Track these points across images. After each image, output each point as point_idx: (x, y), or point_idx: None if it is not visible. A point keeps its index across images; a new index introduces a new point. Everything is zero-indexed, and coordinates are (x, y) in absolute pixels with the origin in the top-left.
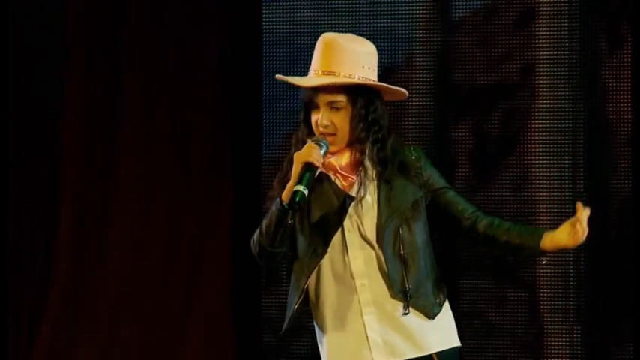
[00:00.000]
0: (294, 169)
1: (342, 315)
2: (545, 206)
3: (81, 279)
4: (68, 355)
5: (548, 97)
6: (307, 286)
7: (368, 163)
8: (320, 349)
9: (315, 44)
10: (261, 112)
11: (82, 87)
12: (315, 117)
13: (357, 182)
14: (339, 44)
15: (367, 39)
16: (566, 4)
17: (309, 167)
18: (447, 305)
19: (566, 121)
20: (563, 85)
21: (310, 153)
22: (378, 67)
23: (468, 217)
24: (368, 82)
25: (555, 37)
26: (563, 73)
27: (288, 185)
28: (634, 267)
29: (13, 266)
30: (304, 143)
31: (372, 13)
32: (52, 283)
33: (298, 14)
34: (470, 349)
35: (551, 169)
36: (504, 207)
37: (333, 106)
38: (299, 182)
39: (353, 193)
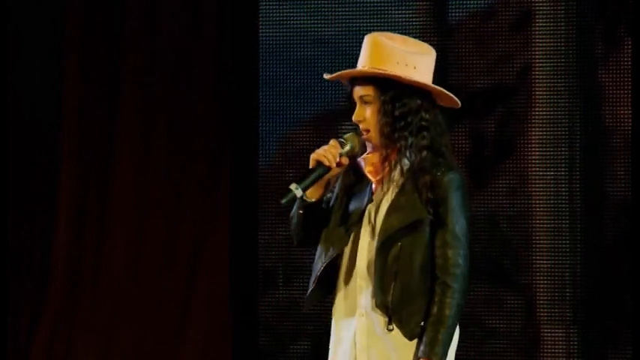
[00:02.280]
0: (310, 163)
1: (346, 311)
2: (541, 210)
3: (79, 282)
4: (66, 358)
5: (545, 101)
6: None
7: (396, 165)
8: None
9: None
10: (258, 117)
11: (79, 93)
12: (354, 114)
13: (381, 184)
14: (378, 41)
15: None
16: (563, 8)
17: (318, 165)
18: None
19: (563, 124)
20: (560, 88)
21: (325, 151)
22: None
23: (437, 270)
24: (383, 73)
25: (552, 40)
26: (560, 76)
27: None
28: (631, 272)
29: (12, 268)
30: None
31: (368, 17)
32: (51, 286)
33: (294, 20)
34: (467, 354)
35: (548, 173)
36: (501, 210)
37: (363, 101)
38: (299, 180)
39: (377, 193)
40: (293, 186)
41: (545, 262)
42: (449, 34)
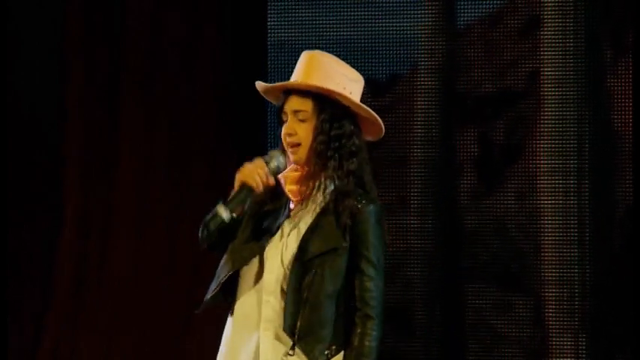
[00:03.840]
0: (235, 183)
1: (246, 323)
2: (549, 214)
3: (83, 282)
4: (71, 358)
5: (553, 105)
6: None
7: (320, 186)
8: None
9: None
10: (266, 120)
11: (80, 94)
12: (284, 128)
13: (301, 203)
14: (320, 60)
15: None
16: (572, 13)
17: (245, 187)
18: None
19: (571, 129)
20: (568, 93)
21: (252, 172)
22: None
23: (356, 302)
24: (332, 90)
25: (560, 45)
26: (568, 81)
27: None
28: (638, 275)
29: (13, 269)
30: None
31: (377, 20)
32: (55, 286)
33: (303, 22)
34: (475, 357)
35: (556, 178)
36: (509, 215)
37: (298, 117)
38: (226, 202)
39: (295, 211)
40: (221, 209)
41: (553, 267)
42: (457, 38)
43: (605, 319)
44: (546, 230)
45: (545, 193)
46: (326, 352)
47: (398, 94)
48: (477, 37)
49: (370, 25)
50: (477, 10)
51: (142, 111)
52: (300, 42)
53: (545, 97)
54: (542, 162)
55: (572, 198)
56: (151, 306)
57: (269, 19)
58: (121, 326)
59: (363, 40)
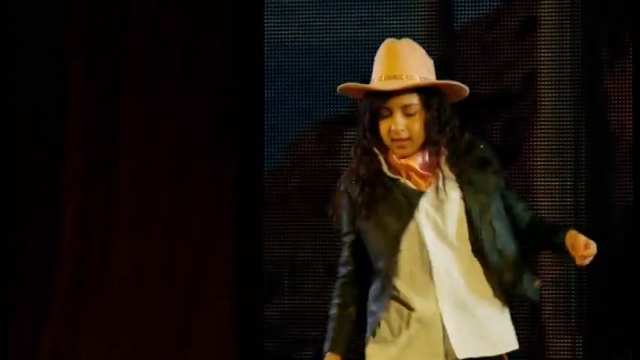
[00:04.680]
0: None
1: (419, 309)
2: (546, 215)
3: (83, 282)
4: (71, 358)
5: (550, 107)
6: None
7: (445, 164)
8: (371, 345)
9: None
10: (263, 120)
11: (80, 94)
12: (386, 124)
13: (435, 181)
14: (403, 48)
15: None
16: (568, 14)
17: None
18: None
19: (568, 131)
20: (564, 95)
21: None
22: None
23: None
24: (444, 82)
25: (557, 46)
26: (565, 82)
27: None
28: (635, 275)
29: (15, 272)
30: (369, 154)
31: (374, 22)
32: (55, 286)
33: (301, 20)
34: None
35: (553, 179)
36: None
37: (406, 112)
38: None
39: (429, 191)
40: None
41: (550, 268)
42: (454, 40)
43: (603, 319)
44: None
45: (542, 194)
46: (536, 283)
47: None
48: (474, 38)
49: (367, 26)
50: (473, 12)
51: (142, 111)
52: (298, 42)
53: (542, 99)
54: (539, 163)
55: (568, 199)
56: (151, 306)
57: (266, 19)
58: (121, 326)
59: (359, 41)
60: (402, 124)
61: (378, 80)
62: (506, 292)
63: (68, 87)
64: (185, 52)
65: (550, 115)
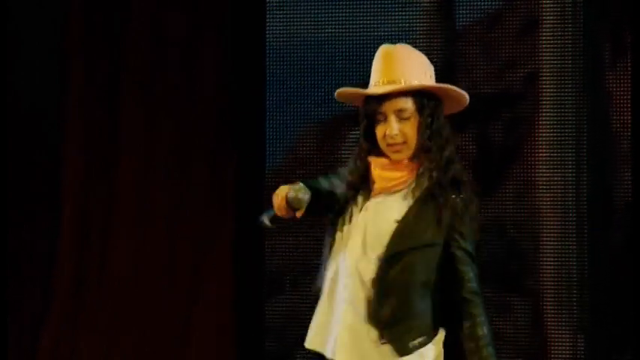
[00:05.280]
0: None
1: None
2: (548, 215)
3: (83, 282)
4: (71, 358)
5: (551, 106)
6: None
7: (420, 177)
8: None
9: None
10: (265, 122)
11: (80, 94)
12: (381, 129)
13: (389, 191)
14: (400, 53)
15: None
16: (570, 13)
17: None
18: (430, 351)
19: (570, 130)
20: (566, 94)
21: (276, 198)
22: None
23: (463, 294)
24: (438, 85)
25: (559, 45)
26: (566, 81)
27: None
28: (637, 276)
29: (15, 272)
30: (362, 160)
31: (375, 21)
32: (55, 286)
33: (302, 22)
34: None
35: (555, 178)
36: (507, 216)
37: (401, 116)
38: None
39: (377, 199)
40: (265, 218)
41: (551, 267)
42: (456, 39)
43: (603, 319)
44: (544, 231)
45: (544, 194)
46: (416, 342)
47: None
48: (475, 37)
49: (368, 25)
50: (475, 11)
51: (141, 111)
52: (300, 43)
53: (544, 98)
54: (540, 162)
55: (570, 199)
56: (151, 306)
57: (268, 19)
58: (121, 326)
59: (360, 41)
60: (397, 129)
61: (375, 85)
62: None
63: (68, 87)
64: (185, 52)
65: (551, 114)
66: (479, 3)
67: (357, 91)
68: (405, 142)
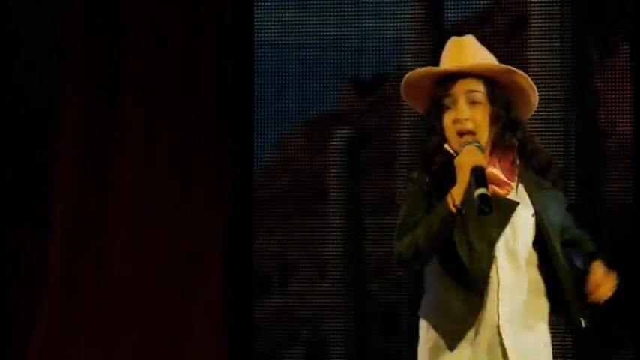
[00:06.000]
0: (460, 175)
1: (477, 326)
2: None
3: (79, 283)
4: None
5: (539, 105)
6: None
7: (523, 173)
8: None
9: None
10: (253, 120)
11: (79, 94)
12: (450, 116)
13: (510, 192)
14: (470, 41)
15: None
16: (559, 12)
17: (477, 170)
18: None
19: (558, 129)
20: (555, 93)
21: (473, 156)
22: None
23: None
24: (515, 70)
25: (547, 44)
26: (555, 80)
27: (455, 190)
28: (636, 274)
29: (14, 273)
30: (436, 152)
31: (364, 19)
32: (47, 287)
33: (290, 20)
34: None
35: None
36: None
37: (472, 99)
38: (479, 186)
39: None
40: (483, 190)
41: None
42: (444, 38)
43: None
44: None
45: None
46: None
47: (384, 94)
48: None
49: (357, 25)
50: (463, 10)
51: (142, 111)
52: (287, 41)
53: None
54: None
55: None
56: (148, 306)
57: (256, 19)
58: (121, 326)
59: (350, 41)
60: (467, 112)
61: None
62: (557, 314)
63: (67, 87)
64: (185, 52)
65: (539, 114)
66: (467, 2)
67: (429, 70)
68: (473, 132)
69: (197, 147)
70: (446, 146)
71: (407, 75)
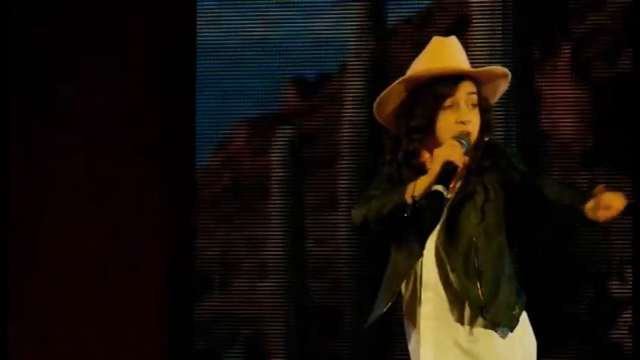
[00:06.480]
0: (433, 166)
1: (412, 324)
2: None
3: (16, 279)
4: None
5: None
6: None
7: (471, 166)
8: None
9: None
10: (195, 119)
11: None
12: (450, 116)
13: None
14: (456, 43)
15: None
16: (500, 12)
17: (449, 165)
18: (524, 318)
19: (499, 129)
20: None
21: (452, 151)
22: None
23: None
24: (507, 75)
25: (488, 45)
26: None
27: (421, 181)
28: (636, 274)
29: None
30: (417, 156)
31: (306, 20)
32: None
33: (232, 22)
34: (401, 356)
35: None
36: None
37: (471, 102)
38: (439, 181)
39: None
40: (440, 187)
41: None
42: (386, 38)
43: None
44: None
45: None
46: (514, 314)
47: (326, 94)
48: (406, 36)
49: (299, 25)
50: (405, 10)
51: (82, 108)
52: (229, 41)
53: None
54: None
55: None
56: (90, 305)
57: (199, 20)
58: (59, 326)
59: (292, 41)
60: (469, 115)
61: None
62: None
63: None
64: (121, 61)
65: None
66: (410, 2)
67: (440, 68)
68: (469, 133)
69: (139, 147)
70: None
71: (414, 71)
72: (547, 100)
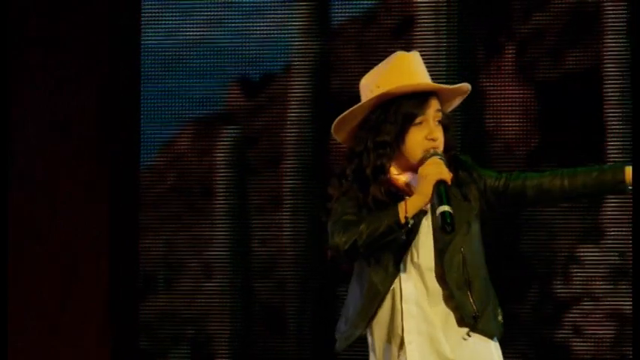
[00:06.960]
0: (423, 186)
1: (388, 339)
2: None
3: None
4: None
5: None
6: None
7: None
8: None
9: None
10: (139, 119)
11: None
12: (420, 133)
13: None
14: (419, 59)
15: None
16: (445, 13)
17: (443, 185)
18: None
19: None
20: None
21: (440, 169)
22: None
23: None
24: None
25: (433, 45)
26: (440, 80)
27: (411, 201)
28: (636, 274)
29: None
30: (385, 173)
31: (250, 20)
32: None
33: (176, 22)
34: (348, 356)
35: None
36: None
37: (438, 120)
38: (442, 202)
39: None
40: (446, 207)
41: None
42: (331, 38)
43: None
44: None
45: None
46: (499, 319)
47: (271, 94)
48: (351, 36)
49: (243, 25)
50: (350, 10)
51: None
52: (173, 41)
53: None
54: None
55: None
56: (33, 305)
57: (143, 20)
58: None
59: (235, 41)
60: (438, 132)
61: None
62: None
63: None
64: (67, 64)
65: None
66: (354, 2)
67: (418, 87)
68: (438, 148)
69: (83, 147)
70: (393, 169)
71: (388, 88)
72: (491, 101)
